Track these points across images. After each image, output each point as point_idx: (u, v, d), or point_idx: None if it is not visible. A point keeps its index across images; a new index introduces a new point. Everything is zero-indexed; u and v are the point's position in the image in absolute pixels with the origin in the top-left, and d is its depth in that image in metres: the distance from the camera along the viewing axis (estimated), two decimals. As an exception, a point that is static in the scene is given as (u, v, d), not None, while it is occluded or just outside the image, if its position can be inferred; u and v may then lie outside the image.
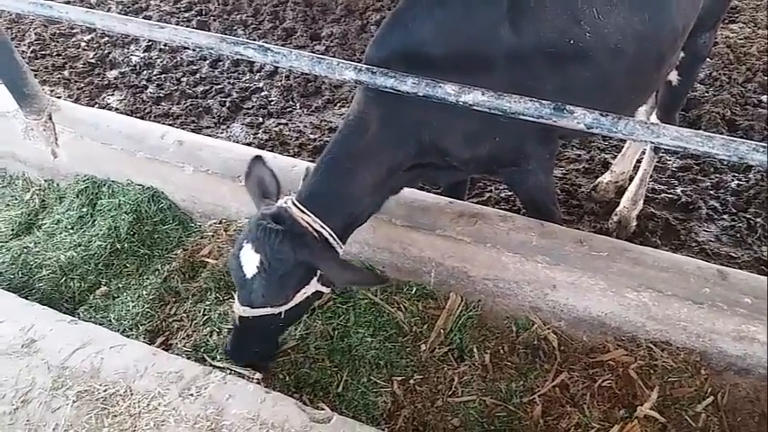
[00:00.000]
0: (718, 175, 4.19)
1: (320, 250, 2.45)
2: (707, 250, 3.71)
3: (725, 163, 4.20)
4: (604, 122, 1.99)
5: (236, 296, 2.53)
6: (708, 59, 5.08)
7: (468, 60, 2.47)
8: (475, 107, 2.11)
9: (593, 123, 2.00)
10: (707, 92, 4.80)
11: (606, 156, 4.39)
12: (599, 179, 4.17)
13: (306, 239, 2.42)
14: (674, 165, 4.29)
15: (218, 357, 2.85)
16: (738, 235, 3.82)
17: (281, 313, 2.50)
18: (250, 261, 2.40)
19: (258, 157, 2.73)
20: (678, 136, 1.94)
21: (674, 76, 3.36)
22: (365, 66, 2.21)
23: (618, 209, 3.91)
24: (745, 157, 1.89)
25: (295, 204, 2.48)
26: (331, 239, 2.50)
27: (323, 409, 2.51)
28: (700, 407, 2.71)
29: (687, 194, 4.06)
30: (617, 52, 2.61)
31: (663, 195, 4.08)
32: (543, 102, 2.04)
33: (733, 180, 4.15)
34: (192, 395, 2.36)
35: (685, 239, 3.80)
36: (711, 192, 4.10)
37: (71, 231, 3.49)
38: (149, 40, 5.51)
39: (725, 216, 3.94)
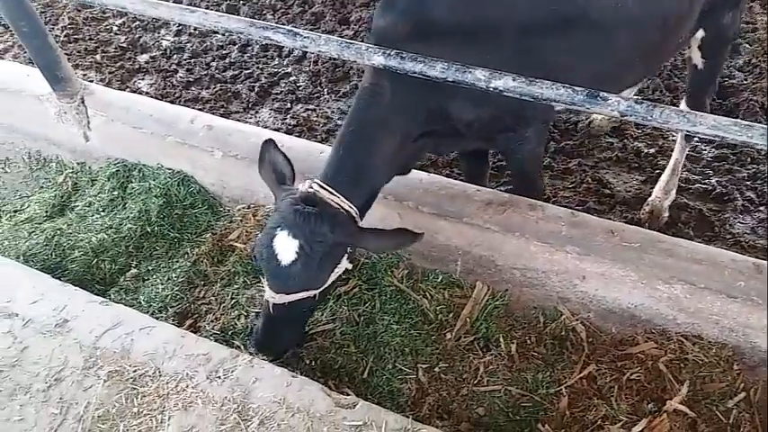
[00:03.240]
0: (755, 166, 4.06)
1: (355, 228, 2.50)
2: (741, 242, 3.61)
3: (763, 153, 4.08)
4: (639, 110, 1.93)
5: (266, 286, 2.54)
6: (747, 45, 4.94)
7: (477, 21, 2.46)
8: (506, 93, 2.08)
9: (627, 111, 1.95)
10: (745, 79, 4.65)
11: (639, 144, 4.29)
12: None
13: (340, 219, 2.45)
14: (710, 154, 4.18)
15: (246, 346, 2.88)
16: (775, 227, 3.72)
17: (315, 295, 2.54)
18: (287, 248, 2.41)
19: (269, 140, 2.68)
20: (716, 125, 1.88)
21: (697, 59, 3.29)
22: (393, 51, 2.19)
23: (650, 199, 3.84)
24: (786, 148, 1.83)
25: (321, 186, 2.49)
26: (357, 218, 2.53)
27: (348, 395, 2.52)
28: (731, 402, 2.66)
29: (722, 185, 3.95)
30: (619, 11, 2.62)
31: (697, 186, 3.97)
32: (576, 89, 2.00)
33: (771, 170, 4.03)
34: (219, 377, 2.39)
35: (719, 231, 3.70)
36: (748, 182, 3.98)
37: (102, 214, 3.54)
38: (179, 25, 5.53)
39: (761, 208, 3.83)
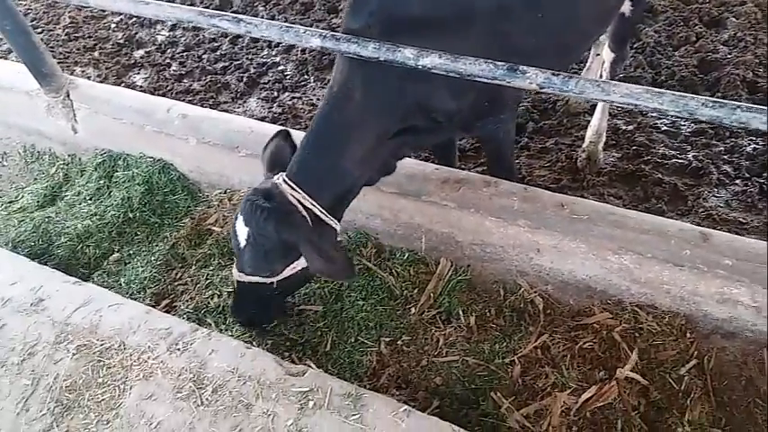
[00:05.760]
0: (733, 140, 4.06)
1: (304, 231, 2.44)
2: (713, 216, 3.62)
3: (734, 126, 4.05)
4: (555, 82, 2.00)
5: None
6: (734, 19, 4.89)
7: (449, 14, 2.43)
8: (433, 70, 2.15)
9: (544, 83, 2.02)
10: (729, 53, 4.61)
11: (618, 122, 4.31)
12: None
13: (292, 218, 2.44)
14: (688, 129, 4.18)
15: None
16: (750, 200, 3.71)
17: (273, 283, 2.61)
18: (241, 232, 2.52)
19: (283, 131, 2.77)
20: (628, 93, 1.94)
21: (627, 7, 3.39)
22: (329, 32, 2.28)
23: (584, 145, 3.98)
24: (694, 113, 1.89)
25: (285, 181, 2.50)
26: (323, 216, 2.51)
27: (309, 366, 2.63)
28: (683, 370, 2.71)
29: (699, 159, 3.95)
30: None
31: (673, 161, 3.98)
32: (497, 63, 2.07)
33: (749, 144, 4.02)
34: (178, 349, 2.52)
35: (693, 205, 3.71)
36: (725, 156, 3.97)
37: (89, 202, 3.71)
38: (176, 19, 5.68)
39: (737, 181, 3.83)
